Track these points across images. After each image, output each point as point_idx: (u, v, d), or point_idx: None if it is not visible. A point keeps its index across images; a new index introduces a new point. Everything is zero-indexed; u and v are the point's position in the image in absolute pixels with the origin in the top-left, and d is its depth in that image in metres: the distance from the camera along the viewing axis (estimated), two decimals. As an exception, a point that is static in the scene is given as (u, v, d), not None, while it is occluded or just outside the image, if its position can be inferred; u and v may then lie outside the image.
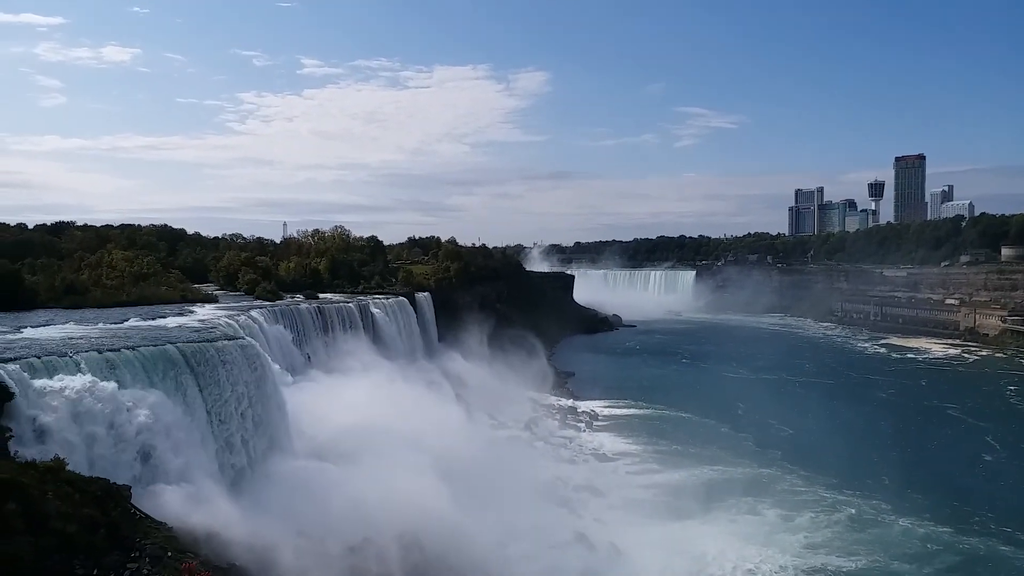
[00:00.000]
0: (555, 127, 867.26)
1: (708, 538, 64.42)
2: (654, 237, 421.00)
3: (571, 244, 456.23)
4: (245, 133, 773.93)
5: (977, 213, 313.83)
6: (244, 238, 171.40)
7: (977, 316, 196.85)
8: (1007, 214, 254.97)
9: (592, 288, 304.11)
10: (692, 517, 69.40)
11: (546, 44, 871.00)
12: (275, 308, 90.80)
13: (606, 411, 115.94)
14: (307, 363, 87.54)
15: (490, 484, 67.10)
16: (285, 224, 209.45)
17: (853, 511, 70.87)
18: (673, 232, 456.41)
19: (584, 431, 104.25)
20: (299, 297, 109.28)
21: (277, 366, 67.23)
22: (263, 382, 57.56)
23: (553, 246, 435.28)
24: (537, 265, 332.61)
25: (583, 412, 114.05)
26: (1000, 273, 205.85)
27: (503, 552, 55.44)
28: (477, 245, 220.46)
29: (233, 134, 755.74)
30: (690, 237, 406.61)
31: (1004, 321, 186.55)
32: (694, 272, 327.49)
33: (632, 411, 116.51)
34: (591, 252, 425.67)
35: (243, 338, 60.96)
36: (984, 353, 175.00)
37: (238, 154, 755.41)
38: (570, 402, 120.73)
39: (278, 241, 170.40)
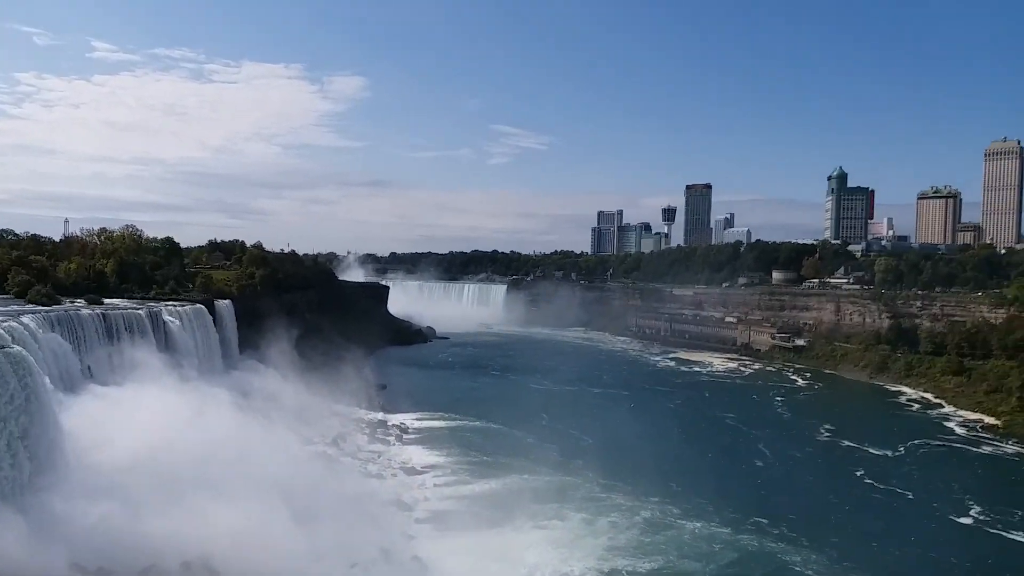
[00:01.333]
0: (373, 134, 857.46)
1: (515, 545, 66.20)
2: (469, 251, 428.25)
3: (387, 254, 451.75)
4: (21, 118, 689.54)
5: (754, 240, 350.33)
6: (16, 235, 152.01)
7: (751, 333, 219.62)
8: (778, 241, 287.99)
9: (408, 299, 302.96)
10: (500, 525, 70.94)
11: (365, 49, 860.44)
12: (51, 314, 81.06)
13: (417, 424, 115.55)
14: (87, 376, 79.16)
15: (293, 503, 64.17)
16: (67, 221, 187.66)
17: (649, 515, 76.13)
18: (487, 246, 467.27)
19: (394, 445, 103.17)
20: (80, 302, 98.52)
21: (48, 380, 59.95)
22: (33, 397, 51.09)
23: (369, 255, 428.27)
24: (351, 274, 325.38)
25: (393, 425, 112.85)
26: (771, 295, 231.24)
27: (303, 573, 53.33)
28: (286, 251, 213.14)
29: (6, 118, 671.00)
30: (503, 252, 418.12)
31: (773, 338, 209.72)
32: (505, 286, 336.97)
33: (442, 423, 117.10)
34: (407, 263, 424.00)
35: (10, 346, 53.83)
36: (757, 366, 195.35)
37: (11, 140, 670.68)
38: (380, 415, 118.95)
39: (58, 239, 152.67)
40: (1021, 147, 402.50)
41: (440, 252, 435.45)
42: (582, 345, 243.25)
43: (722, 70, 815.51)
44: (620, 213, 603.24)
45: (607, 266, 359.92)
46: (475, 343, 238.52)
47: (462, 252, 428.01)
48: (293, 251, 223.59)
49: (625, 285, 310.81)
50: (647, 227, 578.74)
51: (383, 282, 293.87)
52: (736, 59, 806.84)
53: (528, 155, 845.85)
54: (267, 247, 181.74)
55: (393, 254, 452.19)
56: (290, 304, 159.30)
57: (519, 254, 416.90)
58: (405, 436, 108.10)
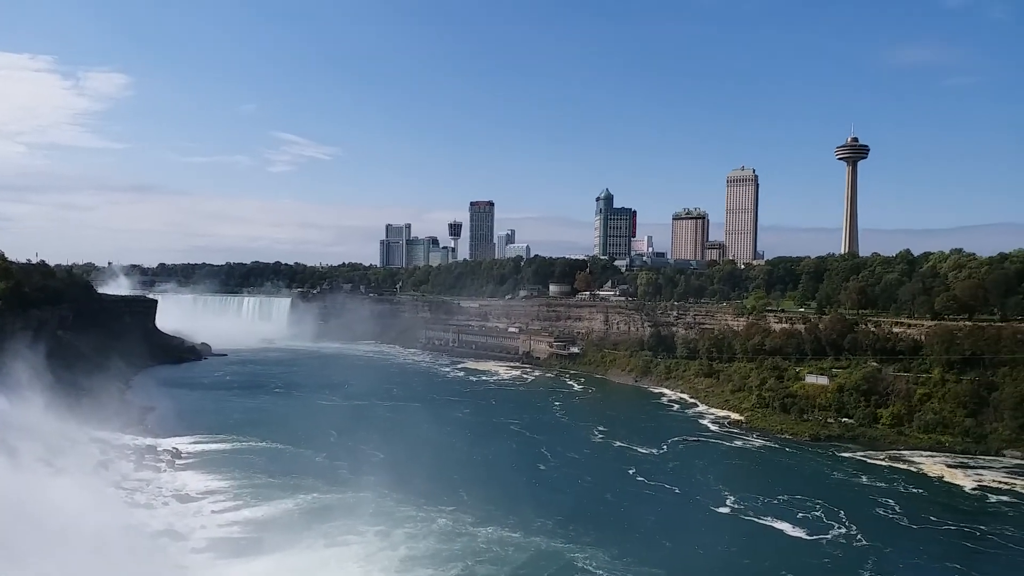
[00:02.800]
0: (137, 135, 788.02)
1: (308, 565, 64.40)
2: (249, 262, 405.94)
3: (156, 265, 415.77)
4: None
5: (532, 255, 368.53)
6: None
7: (532, 342, 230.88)
8: (554, 256, 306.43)
9: (181, 313, 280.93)
10: (289, 547, 68.61)
11: (128, 45, 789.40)
12: None
13: (191, 448, 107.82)
14: None
15: (41, 541, 57.47)
16: None
17: (443, 524, 77.65)
18: (269, 257, 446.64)
19: (165, 471, 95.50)
20: None
21: None
22: None
23: (134, 266, 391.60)
24: (115, 287, 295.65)
25: (164, 451, 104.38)
26: (548, 306, 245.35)
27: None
28: (34, 262, 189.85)
29: None
30: (287, 264, 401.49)
31: (551, 346, 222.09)
32: (290, 300, 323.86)
33: (221, 446, 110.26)
34: (179, 274, 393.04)
35: None
36: (537, 374, 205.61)
37: None
38: (149, 440, 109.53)
39: None
40: (755, 175, 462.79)
41: (216, 263, 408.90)
42: (373, 359, 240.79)
43: (500, 92, 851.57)
44: (408, 227, 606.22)
45: (397, 279, 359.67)
46: (257, 360, 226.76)
47: (241, 263, 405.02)
48: (43, 261, 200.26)
49: (415, 298, 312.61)
50: (435, 241, 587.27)
51: (151, 295, 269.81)
52: (513, 82, 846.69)
53: (313, 165, 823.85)
54: (10, 257, 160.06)
55: (162, 265, 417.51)
56: (39, 320, 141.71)
57: (304, 266, 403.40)
58: (178, 461, 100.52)
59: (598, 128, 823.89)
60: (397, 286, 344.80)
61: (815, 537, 78.96)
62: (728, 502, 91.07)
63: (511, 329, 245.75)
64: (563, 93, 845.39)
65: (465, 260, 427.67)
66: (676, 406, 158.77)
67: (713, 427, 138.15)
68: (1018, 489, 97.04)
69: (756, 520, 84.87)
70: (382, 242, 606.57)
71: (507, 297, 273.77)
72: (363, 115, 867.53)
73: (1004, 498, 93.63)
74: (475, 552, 70.89)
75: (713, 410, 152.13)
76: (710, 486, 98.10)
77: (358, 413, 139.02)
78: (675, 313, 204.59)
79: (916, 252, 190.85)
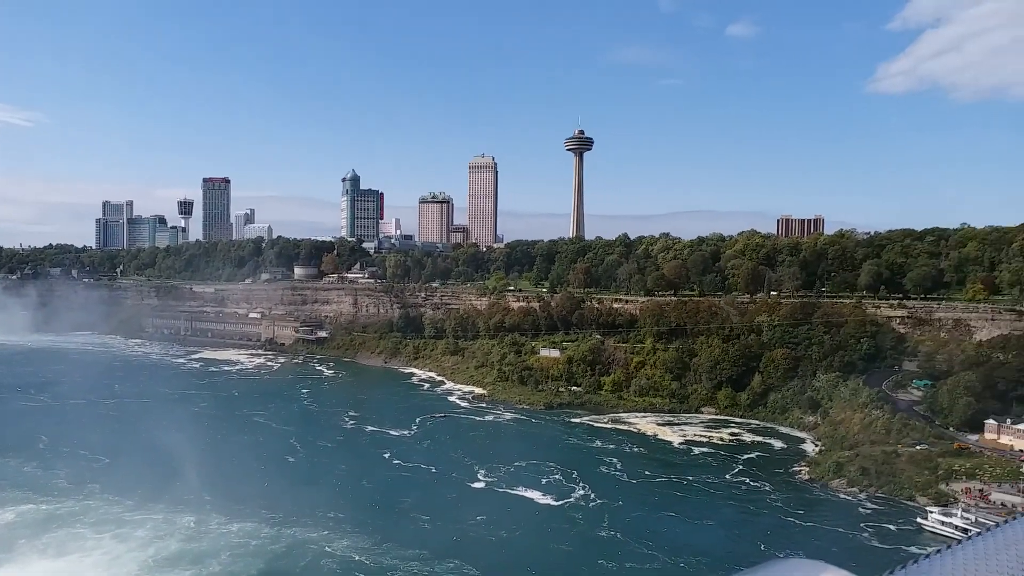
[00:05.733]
0: None
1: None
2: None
3: None
4: None
5: (275, 236, 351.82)
6: None
7: (276, 328, 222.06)
8: (299, 238, 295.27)
9: None
10: (4, 564, 60.57)
11: None
12: None
13: None
14: None
15: None
16: None
17: (189, 524, 73.02)
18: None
19: None
20: None
21: None
22: None
23: None
24: None
25: None
26: (294, 290, 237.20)
27: None
28: None
29: None
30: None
31: (297, 331, 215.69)
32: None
33: None
34: None
35: None
36: (283, 360, 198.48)
37: None
38: None
39: None
40: (495, 162, 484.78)
41: None
42: (91, 351, 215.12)
43: (242, 66, 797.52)
44: (130, 204, 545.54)
45: (117, 262, 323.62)
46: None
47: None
48: None
49: (139, 283, 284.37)
50: (162, 220, 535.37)
51: None
52: (249, 56, 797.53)
53: (8, 131, 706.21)
54: None
55: None
56: None
57: (1, 248, 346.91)
58: None
59: (344, 109, 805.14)
60: (118, 270, 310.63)
61: (560, 502, 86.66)
62: (480, 475, 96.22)
63: (252, 315, 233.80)
64: (304, 72, 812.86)
65: (198, 241, 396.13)
66: (426, 385, 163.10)
67: (461, 403, 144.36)
68: (715, 441, 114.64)
69: (508, 491, 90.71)
70: (98, 221, 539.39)
71: (247, 281, 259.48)
72: (70, 76, 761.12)
73: (704, 449, 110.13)
74: (229, 548, 68.17)
75: (460, 386, 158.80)
76: (463, 462, 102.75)
77: (74, 415, 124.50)
78: (423, 294, 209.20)
79: (633, 236, 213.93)
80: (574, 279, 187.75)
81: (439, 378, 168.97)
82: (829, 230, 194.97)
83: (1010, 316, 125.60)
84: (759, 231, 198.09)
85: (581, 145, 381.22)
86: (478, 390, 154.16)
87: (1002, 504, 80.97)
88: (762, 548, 71.28)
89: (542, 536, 76.19)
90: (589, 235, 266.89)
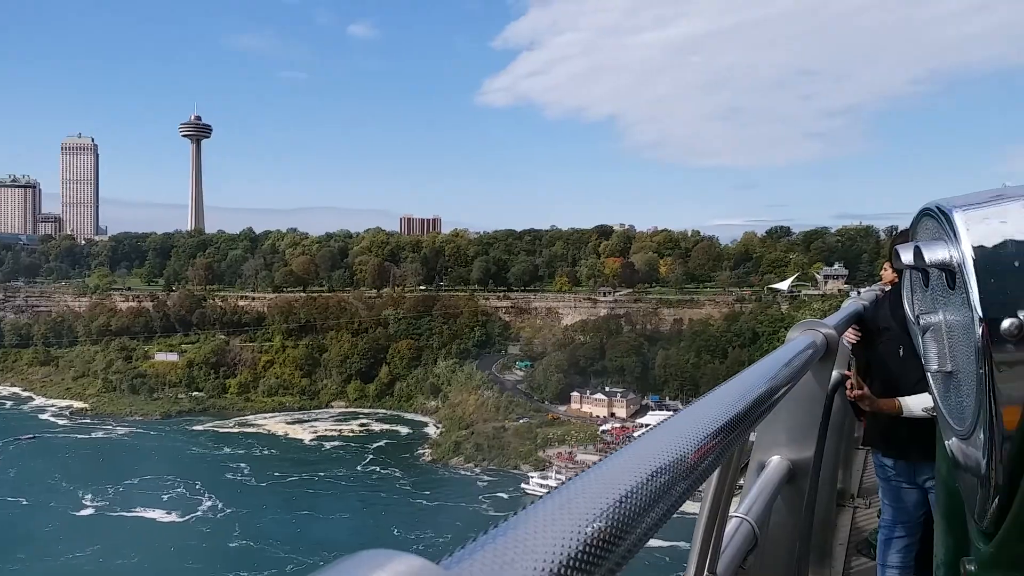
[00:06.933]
0: None
1: None
2: None
3: None
4: None
5: None
6: None
7: None
8: None
9: None
10: None
11: None
12: None
13: None
14: None
15: None
16: None
17: None
18: None
19: None
20: None
21: None
22: None
23: None
24: None
25: None
26: None
27: None
28: None
29: None
30: None
31: None
32: None
33: None
34: None
35: None
36: None
37: None
38: None
39: None
40: (94, 143, 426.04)
41: None
42: None
43: None
44: None
45: None
46: None
47: None
48: None
49: None
50: None
51: None
52: None
53: None
54: None
55: None
56: None
57: None
58: None
59: None
60: None
61: (186, 517, 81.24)
62: (87, 500, 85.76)
63: None
64: None
65: None
66: (8, 404, 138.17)
67: (58, 421, 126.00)
68: (345, 434, 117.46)
69: (124, 514, 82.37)
70: None
71: None
72: None
73: (336, 443, 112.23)
74: None
75: (54, 401, 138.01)
76: (62, 488, 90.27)
77: None
78: (1, 295, 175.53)
79: (259, 230, 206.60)
80: (194, 275, 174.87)
81: (26, 394, 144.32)
82: (446, 229, 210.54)
83: (588, 304, 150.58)
84: (384, 229, 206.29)
85: (198, 132, 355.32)
86: (78, 404, 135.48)
87: (584, 463, 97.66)
88: (396, 533, 75.88)
89: (167, 557, 70.94)
90: (210, 228, 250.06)
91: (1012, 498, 1.55)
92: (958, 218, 1.56)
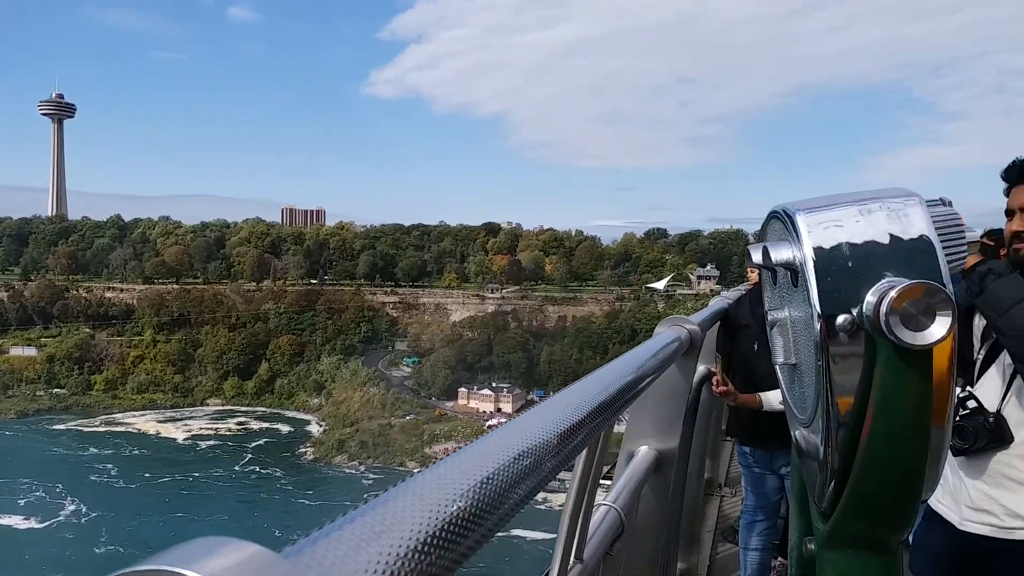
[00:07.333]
0: None
1: None
2: None
3: None
4: None
5: None
6: None
7: None
8: None
9: None
10: None
11: None
12: None
13: None
14: None
15: None
16: None
17: None
18: None
19: None
20: None
21: None
22: None
23: None
24: None
25: None
26: None
27: None
28: None
29: None
30: None
31: None
32: None
33: None
34: None
35: None
36: None
37: None
38: None
39: None
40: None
41: None
42: None
43: None
44: None
45: None
46: None
47: None
48: None
49: None
50: None
51: None
52: None
53: None
54: None
55: None
56: None
57: None
58: None
59: None
60: None
61: (47, 523, 76.00)
62: None
63: None
64: None
65: None
66: None
67: None
68: (222, 432, 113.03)
69: None
70: None
71: None
72: None
73: (212, 442, 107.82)
74: None
75: None
76: None
77: None
78: None
79: (128, 218, 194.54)
80: (55, 264, 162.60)
81: None
82: (331, 222, 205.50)
83: (476, 300, 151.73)
84: (264, 219, 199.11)
85: (60, 111, 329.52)
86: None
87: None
88: (277, 534, 74.07)
89: (26, 568, 66.26)
90: (74, 214, 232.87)
91: (846, 480, 1.71)
92: (800, 221, 1.69)
